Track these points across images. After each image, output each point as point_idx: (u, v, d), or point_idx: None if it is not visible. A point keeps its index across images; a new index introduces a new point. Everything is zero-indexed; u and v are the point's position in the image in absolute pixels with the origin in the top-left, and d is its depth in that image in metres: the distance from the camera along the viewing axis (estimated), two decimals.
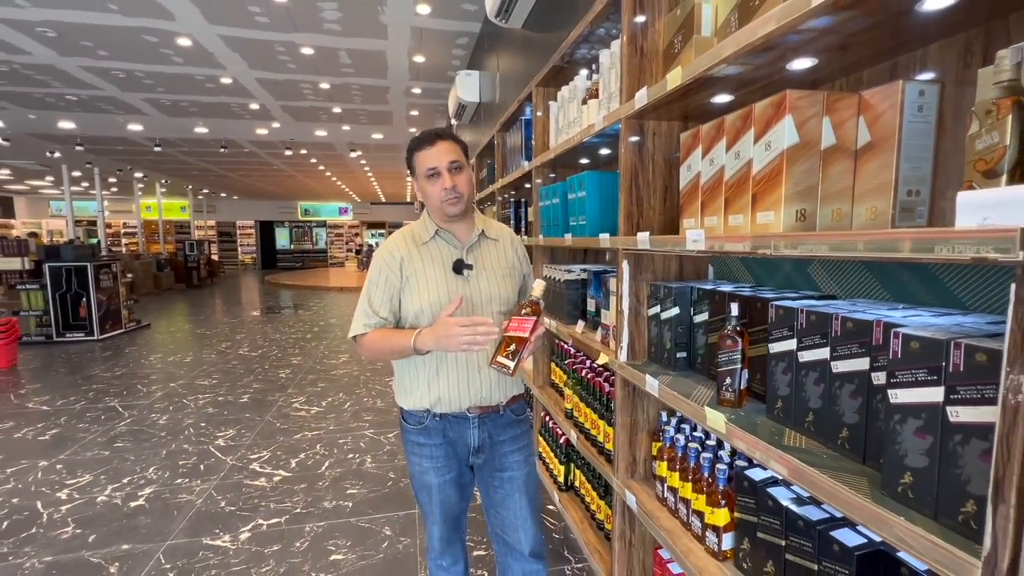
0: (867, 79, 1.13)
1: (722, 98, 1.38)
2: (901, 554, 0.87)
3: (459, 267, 1.26)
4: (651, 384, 1.40)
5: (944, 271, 0.99)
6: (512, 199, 3.42)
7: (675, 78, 1.26)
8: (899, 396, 0.74)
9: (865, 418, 0.86)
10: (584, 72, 2.12)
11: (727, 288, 1.37)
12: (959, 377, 0.66)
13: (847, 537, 0.93)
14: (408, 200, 22.94)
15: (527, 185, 3.19)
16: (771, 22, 0.92)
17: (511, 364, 1.15)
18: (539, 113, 2.62)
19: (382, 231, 24.31)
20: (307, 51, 5.02)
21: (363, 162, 12.52)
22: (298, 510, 2.40)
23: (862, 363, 0.86)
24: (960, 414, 0.66)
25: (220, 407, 3.90)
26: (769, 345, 1.07)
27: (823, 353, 0.94)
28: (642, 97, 1.42)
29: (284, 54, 5.14)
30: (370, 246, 20.35)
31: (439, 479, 1.29)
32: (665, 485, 1.49)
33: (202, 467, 2.86)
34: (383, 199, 22.64)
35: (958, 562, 0.62)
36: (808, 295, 1.22)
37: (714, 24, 1.35)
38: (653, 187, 1.60)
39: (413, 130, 8.97)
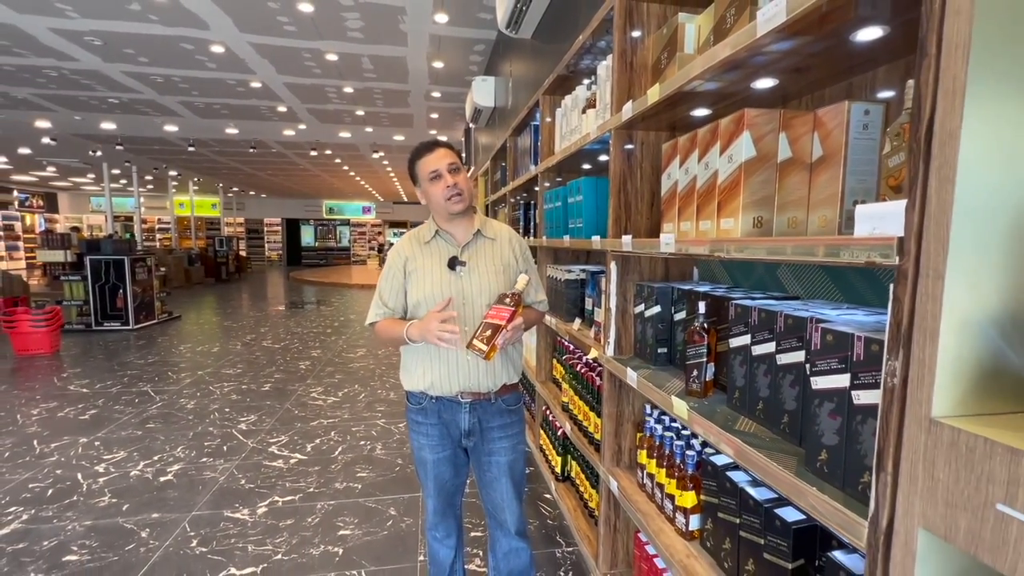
0: (828, 97, 1.22)
1: (701, 111, 1.48)
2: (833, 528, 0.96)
3: (453, 263, 1.40)
4: (631, 376, 1.51)
5: (886, 276, 1.08)
6: (522, 201, 3.55)
7: (654, 93, 1.37)
8: (819, 383, 0.84)
9: (801, 405, 0.96)
10: (586, 82, 2.23)
11: (702, 288, 1.47)
12: (860, 365, 0.76)
13: (788, 514, 1.02)
14: None
15: (536, 188, 3.31)
16: (727, 48, 1.03)
17: (485, 348, 1.27)
18: (547, 119, 2.74)
19: (403, 230, 24.71)
20: (331, 57, 5.25)
21: (385, 162, 12.82)
22: (311, 490, 2.57)
23: (799, 356, 0.96)
24: (861, 397, 0.76)
25: (243, 394, 4.13)
26: (729, 340, 1.17)
27: (770, 347, 1.04)
28: (628, 109, 1.53)
29: (310, 60, 5.38)
30: (391, 244, 20.74)
31: (433, 456, 1.43)
32: (644, 472, 1.59)
33: (225, 448, 3.07)
34: (405, 199, 23.02)
35: (851, 523, 0.72)
36: (773, 296, 1.31)
37: (697, 42, 1.44)
38: (641, 193, 1.70)
39: (434, 132, 9.18)
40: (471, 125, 5.95)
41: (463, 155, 1.71)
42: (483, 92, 4.54)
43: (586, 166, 2.60)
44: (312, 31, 4.61)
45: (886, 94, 1.12)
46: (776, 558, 1.02)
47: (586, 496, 2.25)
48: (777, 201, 1.11)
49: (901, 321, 0.65)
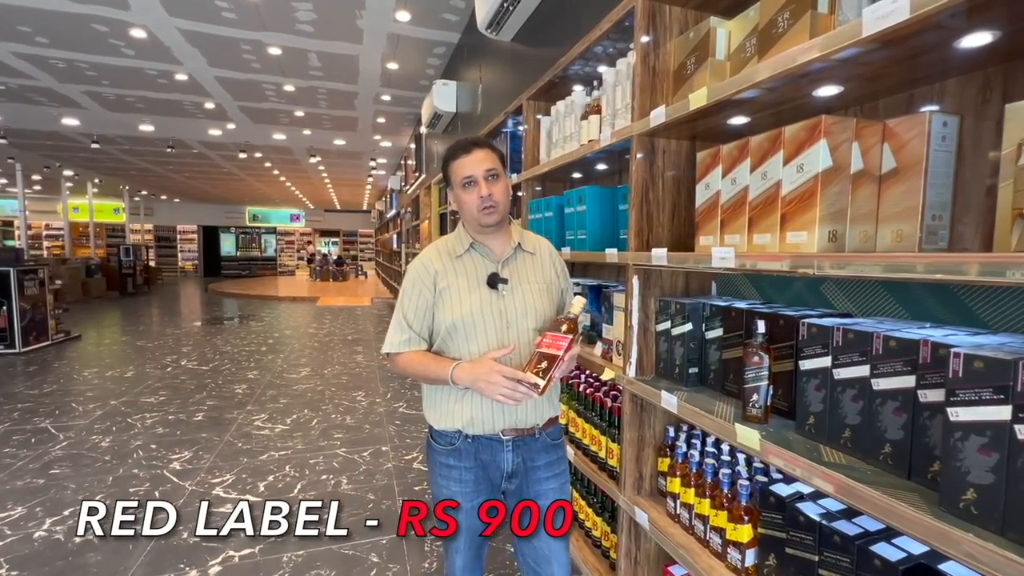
0: (883, 107, 1.19)
1: (736, 120, 1.42)
2: (944, 567, 0.89)
3: (494, 281, 1.22)
4: (668, 400, 1.40)
5: (965, 291, 1.05)
6: None
7: (699, 99, 1.28)
8: (960, 414, 0.76)
9: (911, 435, 0.89)
10: (579, 88, 2.13)
11: (742, 305, 1.40)
12: None
13: (887, 551, 0.94)
14: (364, 208, 22.43)
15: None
16: (815, 49, 0.95)
17: (541, 382, 1.11)
18: (528, 126, 2.62)
19: (335, 239, 23.63)
20: (275, 51, 4.82)
21: (321, 168, 12.14)
22: (273, 538, 2.23)
23: (907, 381, 0.89)
24: None
25: (172, 426, 3.59)
26: (800, 362, 1.09)
27: (862, 371, 0.96)
28: (659, 115, 1.44)
29: (249, 53, 4.91)
30: (324, 254, 19.67)
31: (468, 504, 1.23)
32: (678, 501, 1.48)
33: (157, 494, 2.61)
34: (337, 206, 22.02)
35: None
36: (828, 313, 1.25)
37: (727, 48, 1.39)
38: (662, 204, 1.62)
39: (377, 137, 8.80)
40: (424, 130, 5.72)
41: (504, 158, 1.50)
42: (444, 96, 4.35)
43: (576, 175, 2.50)
44: (255, 21, 4.19)
45: (941, 106, 1.10)
46: None
47: (588, 524, 2.12)
48: (849, 214, 1.06)
49: None
